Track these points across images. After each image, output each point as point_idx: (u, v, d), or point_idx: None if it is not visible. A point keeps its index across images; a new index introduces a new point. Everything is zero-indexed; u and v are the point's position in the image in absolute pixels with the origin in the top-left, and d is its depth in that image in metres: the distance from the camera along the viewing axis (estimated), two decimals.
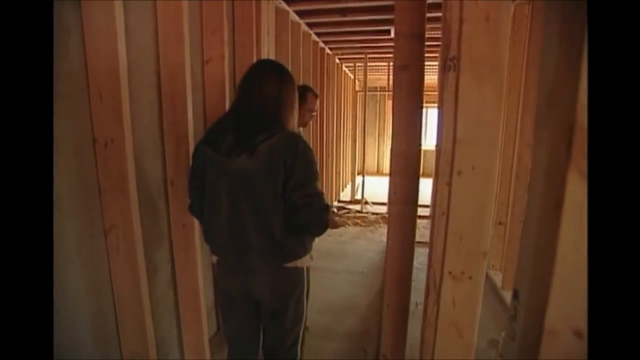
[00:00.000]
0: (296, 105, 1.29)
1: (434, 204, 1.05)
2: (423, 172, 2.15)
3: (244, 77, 1.28)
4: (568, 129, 0.33)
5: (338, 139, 5.41)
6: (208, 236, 1.33)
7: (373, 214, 5.02)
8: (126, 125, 1.21)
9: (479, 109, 0.76)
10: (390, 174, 1.29)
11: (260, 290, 1.32)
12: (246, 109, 1.23)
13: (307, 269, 1.36)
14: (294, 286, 1.32)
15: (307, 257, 1.33)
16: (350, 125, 6.31)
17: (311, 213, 1.17)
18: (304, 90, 2.13)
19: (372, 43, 4.41)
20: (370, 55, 5.12)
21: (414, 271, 2.11)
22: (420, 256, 2.39)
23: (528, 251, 0.42)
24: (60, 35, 1.08)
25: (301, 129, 2.23)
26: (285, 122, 1.25)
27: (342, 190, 6.17)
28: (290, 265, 1.27)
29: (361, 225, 4.65)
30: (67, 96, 1.11)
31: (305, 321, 1.46)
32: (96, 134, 1.20)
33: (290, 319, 1.35)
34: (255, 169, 1.16)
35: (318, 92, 2.38)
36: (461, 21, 0.75)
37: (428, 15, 2.02)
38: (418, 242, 1.67)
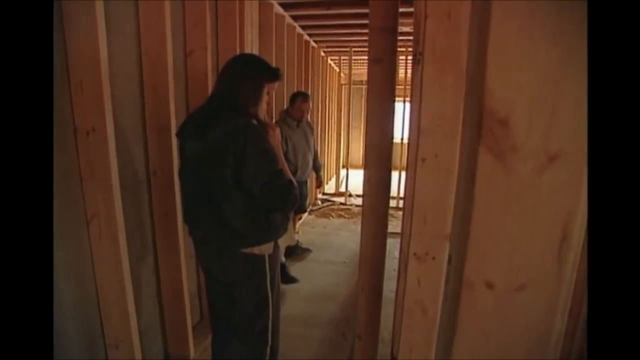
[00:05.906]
0: (258, 97, 1.29)
1: (405, 192, 1.10)
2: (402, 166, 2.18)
3: (219, 71, 1.37)
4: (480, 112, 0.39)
5: (323, 131, 5.43)
6: (184, 218, 1.45)
7: (357, 206, 5.09)
8: (108, 115, 1.22)
9: (441, 100, 0.81)
10: (365, 166, 1.34)
11: (218, 272, 1.38)
12: (211, 100, 1.32)
13: (269, 256, 1.35)
14: (249, 272, 1.33)
15: (268, 245, 1.33)
16: (335, 118, 6.34)
17: (275, 196, 1.24)
18: (294, 96, 2.94)
19: (357, 36, 4.42)
20: (355, 49, 5.14)
21: (395, 262, 2.17)
22: None
23: (457, 220, 0.47)
24: None
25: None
26: (244, 113, 1.25)
27: (327, 182, 6.22)
28: (246, 250, 1.29)
29: (344, 217, 4.72)
30: None
31: (272, 305, 1.43)
32: (77, 123, 1.21)
33: (250, 304, 1.37)
34: (203, 154, 1.23)
35: (308, 93, 3.16)
36: (425, 17, 0.80)
37: (408, 10, 2.06)
38: (397, 233, 1.71)
